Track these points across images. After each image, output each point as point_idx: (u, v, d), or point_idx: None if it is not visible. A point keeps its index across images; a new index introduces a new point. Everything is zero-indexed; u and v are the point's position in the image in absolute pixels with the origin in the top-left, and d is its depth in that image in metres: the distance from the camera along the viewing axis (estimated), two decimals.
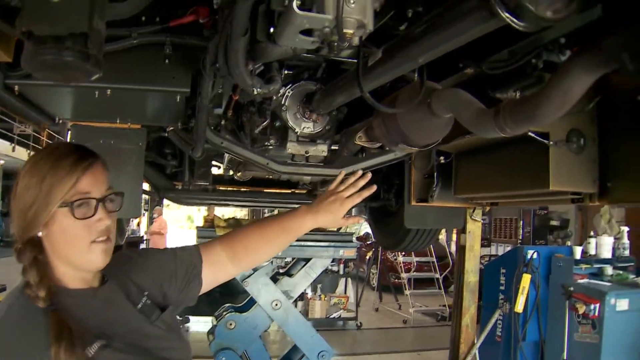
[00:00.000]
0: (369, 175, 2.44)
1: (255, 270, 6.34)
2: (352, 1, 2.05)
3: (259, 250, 2.30)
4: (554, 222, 15.59)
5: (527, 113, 2.16)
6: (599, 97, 3.15)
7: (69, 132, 4.63)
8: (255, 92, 3.04)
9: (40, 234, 1.74)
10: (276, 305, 6.27)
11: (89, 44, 1.78)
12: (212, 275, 2.20)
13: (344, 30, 2.02)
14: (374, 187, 2.43)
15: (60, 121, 4.50)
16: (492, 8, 1.59)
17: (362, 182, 2.39)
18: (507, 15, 1.56)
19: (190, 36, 3.34)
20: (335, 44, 2.17)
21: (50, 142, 25.53)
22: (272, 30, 2.42)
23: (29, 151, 23.56)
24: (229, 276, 2.31)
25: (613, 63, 1.75)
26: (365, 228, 19.28)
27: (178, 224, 50.74)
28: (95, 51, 1.81)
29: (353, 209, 2.45)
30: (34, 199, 1.70)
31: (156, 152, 5.87)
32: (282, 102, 3.84)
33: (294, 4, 2.01)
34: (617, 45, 1.67)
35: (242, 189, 6.87)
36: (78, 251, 1.75)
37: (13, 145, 21.80)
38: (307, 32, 2.21)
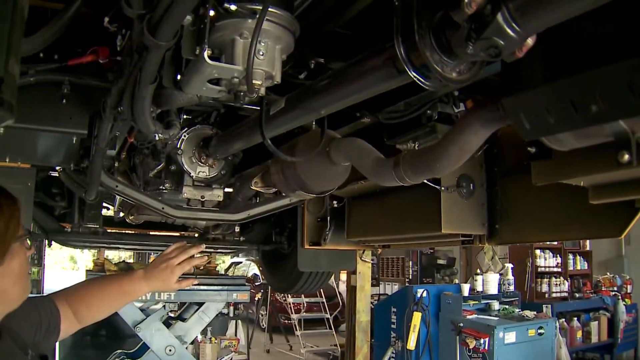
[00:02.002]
0: (203, 246, 2.54)
1: (147, 315, 6.22)
2: (261, 53, 2.08)
3: (99, 310, 2.32)
4: (440, 261, 15.93)
5: (427, 164, 2.22)
6: (487, 145, 3.28)
7: None
8: (157, 138, 3.01)
9: None
10: (170, 350, 6.17)
11: (4, 88, 1.70)
12: (69, 326, 2.19)
13: (253, 81, 2.04)
14: (205, 258, 2.49)
15: None
16: (400, 66, 1.63)
17: (194, 250, 2.44)
18: (414, 74, 1.61)
19: (89, 76, 3.26)
20: (242, 93, 2.18)
21: None
22: (178, 77, 2.41)
23: None
24: (83, 325, 2.29)
25: (510, 120, 1.82)
26: (252, 269, 19.19)
27: (60, 264, 49.05)
28: (9, 96, 1.73)
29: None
30: (1, 235, 1.63)
31: (44, 192, 5.68)
32: (178, 146, 3.81)
33: (205, 54, 2.02)
34: (516, 105, 1.74)
35: (132, 232, 6.73)
36: (24, 284, 1.73)
37: None
38: (215, 82, 2.22)
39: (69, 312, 2.19)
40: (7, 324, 1.82)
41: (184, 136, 3.81)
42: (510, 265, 9.81)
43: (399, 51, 1.60)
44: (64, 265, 50.29)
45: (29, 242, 1.77)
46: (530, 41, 1.44)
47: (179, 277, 2.41)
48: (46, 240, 5.74)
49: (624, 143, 1.65)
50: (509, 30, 1.35)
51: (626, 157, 1.64)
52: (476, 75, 1.67)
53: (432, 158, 2.18)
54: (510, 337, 7.35)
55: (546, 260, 12.96)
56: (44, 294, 2.23)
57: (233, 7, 2.03)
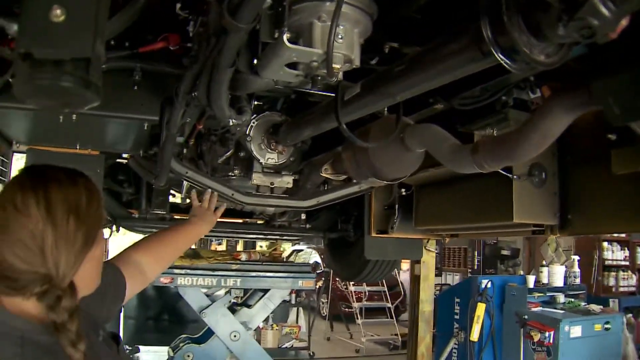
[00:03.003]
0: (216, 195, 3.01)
1: (212, 301, 6.26)
2: (340, 37, 2.05)
3: (171, 253, 2.58)
4: (504, 252, 15.69)
5: (507, 151, 2.18)
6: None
7: (13, 155, 4.52)
8: (230, 123, 3.01)
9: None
10: (235, 336, 6.18)
11: (91, 69, 1.69)
12: (134, 286, 2.20)
13: (333, 65, 2.01)
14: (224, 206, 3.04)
15: (18, 145, 4.40)
16: (485, 49, 1.59)
17: (207, 193, 3.00)
18: (501, 56, 1.57)
19: (160, 63, 3.28)
20: (319, 77, 2.17)
21: None
22: (255, 61, 2.41)
23: None
24: (148, 282, 2.37)
25: (596, 105, 1.77)
26: (314, 257, 19.20)
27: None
28: (95, 78, 1.71)
29: None
30: (90, 227, 1.58)
31: (111, 178, 5.75)
32: (247, 132, 3.82)
33: (285, 37, 2.01)
34: (605, 89, 1.69)
35: None
36: (100, 271, 1.71)
37: None
38: (292, 66, 2.21)
39: (135, 271, 2.21)
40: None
41: (254, 123, 3.81)
42: (576, 258, 9.62)
43: (485, 32, 1.56)
44: None
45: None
46: (624, 21, 1.39)
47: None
48: (114, 226, 5.78)
49: None
50: (604, 10, 1.30)
51: None
52: (564, 58, 1.62)
53: (513, 145, 2.14)
54: (576, 331, 7.20)
55: (613, 253, 12.70)
56: (107, 260, 2.23)
57: None
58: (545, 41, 1.52)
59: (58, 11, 1.53)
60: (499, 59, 1.58)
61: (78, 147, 4.19)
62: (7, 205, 1.50)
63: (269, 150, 3.90)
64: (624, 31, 1.41)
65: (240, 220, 6.67)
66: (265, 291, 6.54)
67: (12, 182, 1.61)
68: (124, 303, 2.18)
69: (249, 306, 6.56)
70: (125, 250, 2.31)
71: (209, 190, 2.60)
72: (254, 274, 6.33)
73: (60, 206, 1.52)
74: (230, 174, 4.20)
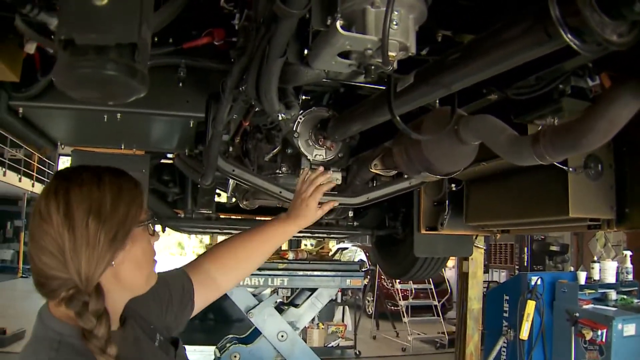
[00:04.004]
0: (329, 174, 2.49)
1: (259, 300, 6.25)
2: (395, 23, 1.97)
3: (249, 258, 2.31)
4: (553, 248, 15.54)
5: (571, 140, 2.09)
6: None
7: (60, 157, 4.54)
8: (279, 118, 2.96)
9: (113, 263, 1.55)
10: (282, 336, 6.17)
11: (137, 56, 1.61)
12: (205, 295, 2.15)
13: (388, 53, 1.94)
14: (333, 183, 2.52)
15: (63, 147, 4.41)
16: (552, 30, 1.51)
17: (321, 178, 2.44)
18: (570, 37, 1.48)
19: (205, 59, 3.24)
20: (373, 67, 2.09)
21: (41, 167, 25.42)
22: (305, 52, 2.35)
23: (19, 176, 23.50)
24: (221, 291, 2.26)
25: None
26: (359, 255, 19.19)
27: (168, 250, 50.46)
28: (142, 66, 1.64)
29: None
30: (116, 226, 1.55)
31: (156, 178, 5.77)
32: (294, 129, 3.76)
33: (338, 24, 1.93)
34: None
35: (242, 217, 6.77)
36: (147, 271, 1.69)
37: (4, 170, 21.69)
38: (345, 55, 2.14)
39: (210, 274, 2.16)
40: (133, 309, 1.78)
41: (300, 118, 3.75)
42: (628, 253, 9.40)
43: (553, 12, 1.47)
44: (172, 251, 51.73)
45: (151, 228, 1.72)
46: None
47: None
48: (160, 226, 5.80)
49: None
50: None
51: None
52: (637, 38, 1.52)
53: (578, 134, 2.05)
54: (630, 329, 7.02)
55: None
56: (178, 267, 2.20)
57: None
58: (619, 19, 1.42)
59: None
60: (568, 40, 1.49)
61: (123, 147, 4.20)
62: (35, 214, 1.53)
63: (316, 146, 3.84)
64: None
65: None
66: (313, 290, 6.52)
67: (43, 189, 1.61)
68: (196, 312, 2.14)
69: (296, 306, 6.54)
70: (200, 256, 2.29)
71: (321, 168, 2.47)
72: (301, 273, 6.31)
73: (79, 208, 1.51)
74: (277, 171, 4.14)
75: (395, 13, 1.97)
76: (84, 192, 1.54)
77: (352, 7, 2.00)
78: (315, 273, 6.36)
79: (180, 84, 3.29)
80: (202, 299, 2.13)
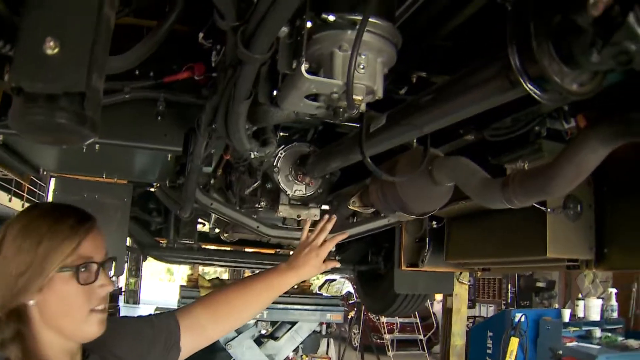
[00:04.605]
0: (335, 217, 2.45)
1: (238, 332, 6.22)
2: (362, 67, 1.98)
3: (241, 309, 2.23)
4: (540, 284, 15.55)
5: (539, 186, 2.09)
6: None
7: (51, 181, 4.55)
8: (252, 156, 2.96)
9: (31, 302, 1.55)
10: None
11: (86, 104, 1.61)
12: (192, 341, 2.09)
13: (354, 97, 1.94)
14: (346, 234, 2.55)
15: (45, 172, 4.41)
16: (513, 78, 1.51)
17: (330, 226, 2.41)
18: (530, 87, 1.48)
19: (184, 93, 3.25)
20: (341, 109, 2.09)
21: (32, 188, 25.34)
22: (274, 93, 2.35)
23: (9, 196, 23.38)
24: (210, 340, 2.19)
25: (635, 137, 1.68)
26: (347, 287, 19.14)
27: (157, 276, 50.21)
28: (92, 113, 1.63)
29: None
30: (28, 263, 1.53)
31: (140, 207, 5.77)
32: (274, 164, 3.76)
33: (303, 68, 1.94)
34: None
35: (226, 249, 6.76)
36: (74, 320, 1.61)
37: None
38: (313, 97, 2.14)
39: (201, 321, 2.11)
40: (101, 345, 1.75)
41: (281, 154, 3.75)
42: (613, 290, 9.44)
43: (513, 61, 1.47)
44: (161, 277, 51.45)
45: (90, 275, 1.66)
46: None
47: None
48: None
49: None
50: None
51: None
52: (599, 87, 1.52)
53: (546, 179, 2.04)
54: None
55: None
56: (172, 309, 2.18)
57: (331, 18, 1.94)
58: (577, 69, 1.42)
59: (52, 43, 1.45)
60: (528, 90, 1.49)
61: (104, 176, 4.22)
62: None
63: (296, 181, 3.83)
64: None
65: (271, 251, 6.66)
66: (293, 323, 6.50)
67: None
68: (184, 356, 2.09)
69: (275, 338, 6.53)
70: (195, 301, 2.23)
71: (326, 216, 2.45)
72: (281, 306, 6.29)
73: (7, 240, 1.58)
74: (257, 205, 4.14)
75: (363, 57, 1.98)
76: (19, 227, 1.60)
77: (321, 50, 2.01)
78: (296, 307, 6.35)
79: (159, 118, 3.28)
80: (189, 344, 2.09)
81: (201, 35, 2.65)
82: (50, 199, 4.52)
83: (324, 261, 2.37)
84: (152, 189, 4.94)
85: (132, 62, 2.48)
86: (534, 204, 3.02)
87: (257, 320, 6.53)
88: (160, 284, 42.68)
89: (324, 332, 14.19)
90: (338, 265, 2.62)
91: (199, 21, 2.61)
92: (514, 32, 1.48)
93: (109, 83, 3.01)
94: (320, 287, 18.86)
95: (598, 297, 9.34)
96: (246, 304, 2.23)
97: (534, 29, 1.42)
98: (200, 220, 6.19)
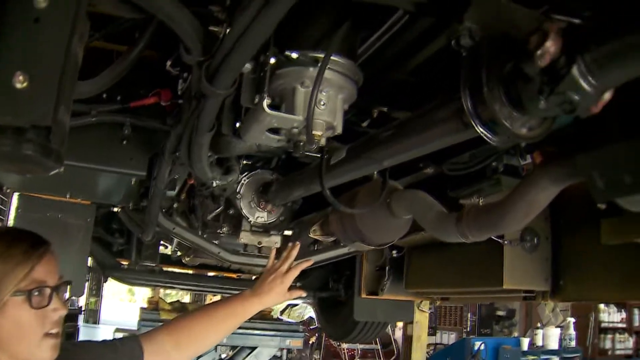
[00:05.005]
0: (299, 244, 2.51)
1: (198, 357, 6.19)
2: (322, 103, 2.03)
3: (205, 336, 2.24)
4: (500, 312, 15.62)
5: (492, 222, 2.14)
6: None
7: (14, 198, 4.53)
8: (214, 185, 2.99)
9: None
10: None
11: (52, 137, 1.65)
12: None
13: (313, 132, 1.99)
14: (311, 261, 2.54)
15: (8, 190, 4.40)
16: (466, 120, 1.57)
17: (295, 252, 2.45)
18: (481, 129, 1.54)
19: (150, 118, 3.29)
20: (302, 143, 2.14)
21: None
22: (237, 125, 2.39)
23: None
24: None
25: (581, 178, 1.74)
26: (309, 312, 19.07)
27: (118, 296, 49.47)
28: (57, 145, 1.67)
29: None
30: None
31: (103, 228, 5.74)
32: (237, 190, 3.78)
33: (264, 103, 1.98)
34: (589, 163, 1.66)
35: (189, 272, 6.74)
36: (28, 345, 1.63)
37: None
38: (274, 131, 2.19)
39: (165, 347, 2.11)
40: None
41: (244, 181, 3.77)
42: (572, 320, 9.56)
43: (465, 104, 1.53)
44: (122, 297, 50.70)
45: (43, 300, 1.67)
46: (607, 95, 1.36)
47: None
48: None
49: None
50: (584, 85, 1.27)
51: None
52: (547, 131, 1.59)
53: (498, 215, 2.10)
54: None
55: (610, 315, 12.66)
56: (134, 334, 2.17)
57: (294, 55, 2.00)
58: (526, 114, 1.49)
59: (21, 77, 1.49)
60: (479, 132, 1.55)
61: (68, 196, 4.21)
62: None
63: (258, 208, 3.85)
64: (608, 105, 1.38)
65: (234, 276, 6.65)
66: (253, 348, 6.48)
67: None
68: None
69: None
70: (160, 326, 2.24)
71: (291, 244, 2.48)
72: (241, 331, 6.26)
73: None
74: (219, 231, 4.15)
75: (324, 93, 2.03)
76: None
77: (284, 85, 2.06)
78: (256, 332, 6.34)
79: (125, 142, 3.31)
80: None
81: (169, 63, 2.69)
82: (12, 216, 4.49)
83: (290, 289, 2.39)
84: (116, 209, 4.93)
85: (100, 87, 2.53)
86: (492, 237, 3.09)
87: (217, 345, 6.50)
88: (121, 304, 42.00)
89: (284, 358, 14.24)
90: (304, 294, 2.65)
91: (169, 48, 2.64)
92: (467, 77, 1.54)
93: (77, 105, 3.04)
94: (282, 312, 18.73)
95: (557, 326, 9.44)
96: (210, 331, 2.24)
97: (485, 76, 1.48)
98: (162, 242, 6.17)
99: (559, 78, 1.29)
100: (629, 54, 1.22)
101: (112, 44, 3.03)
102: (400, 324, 13.41)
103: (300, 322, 15.97)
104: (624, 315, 12.62)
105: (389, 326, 17.68)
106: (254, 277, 6.21)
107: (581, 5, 1.52)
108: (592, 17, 1.48)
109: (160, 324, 2.33)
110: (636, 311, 12.75)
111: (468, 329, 16.39)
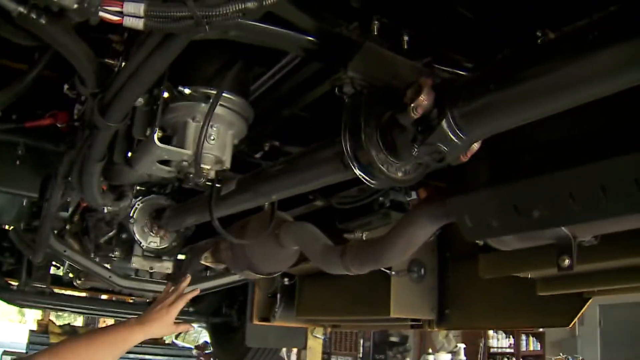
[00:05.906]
0: (189, 277, 2.52)
1: None
2: (212, 138, 2.08)
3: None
4: (393, 338, 15.81)
5: (373, 256, 2.22)
6: (440, 230, 3.30)
7: None
8: (105, 211, 2.98)
9: None
10: None
11: None
12: None
13: (202, 166, 2.04)
14: (197, 290, 2.55)
15: None
16: (346, 162, 1.65)
17: (185, 285, 2.44)
18: (360, 172, 1.62)
19: (44, 140, 3.25)
20: (191, 175, 2.18)
21: None
22: (129, 154, 2.40)
23: None
24: None
25: (453, 219, 1.84)
26: (204, 336, 18.86)
27: (8, 316, 47.72)
28: None
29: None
30: None
31: None
32: (131, 215, 3.76)
33: (155, 137, 2.02)
34: (459, 206, 1.76)
35: (81, 295, 6.60)
36: None
37: None
38: (165, 162, 2.22)
39: None
40: None
41: (138, 205, 3.75)
42: (462, 346, 9.80)
43: (345, 148, 1.62)
44: (12, 318, 48.93)
45: None
46: (475, 146, 1.46)
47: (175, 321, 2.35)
48: None
49: (565, 248, 1.66)
50: (453, 137, 1.37)
51: (567, 262, 1.65)
52: (422, 176, 1.69)
53: (379, 250, 2.19)
54: None
55: (499, 341, 13.06)
56: (20, 353, 2.12)
57: (187, 91, 2.06)
58: (402, 160, 1.58)
59: None
60: (358, 175, 1.63)
61: None
62: None
63: (151, 234, 3.84)
64: (478, 153, 1.48)
65: (129, 300, 6.55)
66: None
67: None
68: None
69: None
70: (42, 351, 2.15)
71: (184, 278, 2.47)
72: (132, 355, 6.18)
73: None
74: (111, 255, 4.11)
75: (214, 129, 2.09)
76: None
77: (176, 119, 2.12)
78: (147, 357, 6.25)
79: (18, 162, 3.26)
80: None
81: (66, 86, 2.67)
82: None
83: (177, 323, 2.38)
84: (6, 227, 4.81)
85: None
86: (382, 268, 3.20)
87: None
88: (11, 325, 40.53)
89: None
90: (191, 329, 2.66)
91: (68, 69, 2.65)
92: (347, 122, 1.62)
93: None
94: (177, 336, 18.50)
95: (449, 352, 9.64)
96: (94, 357, 2.17)
97: (364, 123, 1.57)
98: (54, 263, 6.04)
99: (430, 130, 1.39)
100: (493, 111, 1.32)
101: (13, 62, 2.99)
102: (295, 350, 13.41)
103: (195, 346, 15.82)
104: (512, 341, 13.02)
105: (285, 352, 17.68)
106: (148, 301, 6.15)
107: (463, 57, 1.63)
108: (473, 69, 1.59)
109: None
110: (524, 337, 13.16)
111: (362, 355, 16.52)
